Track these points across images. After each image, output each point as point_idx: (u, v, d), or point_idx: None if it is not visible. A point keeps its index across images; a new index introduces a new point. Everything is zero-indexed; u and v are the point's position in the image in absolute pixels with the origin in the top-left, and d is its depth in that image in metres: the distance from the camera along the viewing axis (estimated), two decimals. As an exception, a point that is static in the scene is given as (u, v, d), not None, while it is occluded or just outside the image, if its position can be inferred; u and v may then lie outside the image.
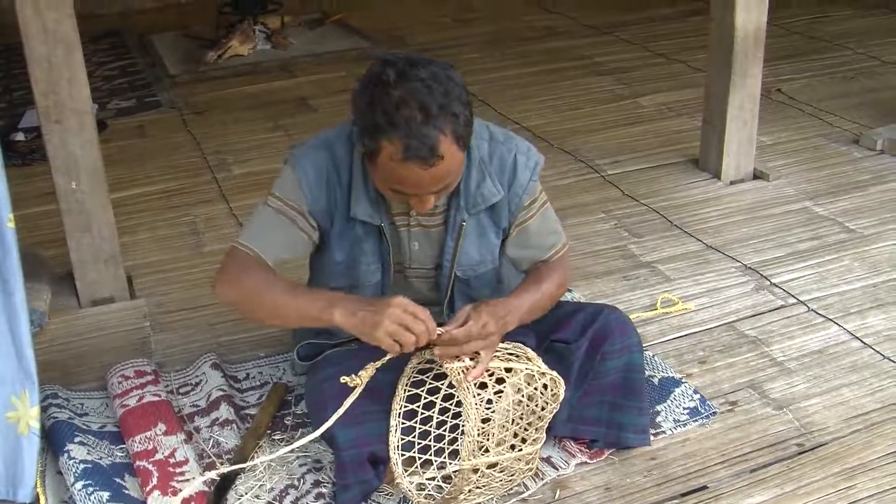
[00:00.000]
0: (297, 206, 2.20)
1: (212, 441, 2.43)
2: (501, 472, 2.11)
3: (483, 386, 2.04)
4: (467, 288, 2.33)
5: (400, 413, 2.18)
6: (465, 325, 2.02)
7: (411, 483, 2.19)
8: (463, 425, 2.06)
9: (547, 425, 2.16)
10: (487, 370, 2.06)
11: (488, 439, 2.03)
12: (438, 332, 2.02)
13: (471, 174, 2.18)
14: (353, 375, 2.03)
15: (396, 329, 1.95)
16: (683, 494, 2.27)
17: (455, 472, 2.10)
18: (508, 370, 2.07)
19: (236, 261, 2.18)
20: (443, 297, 2.32)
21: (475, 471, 2.05)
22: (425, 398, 2.19)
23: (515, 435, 2.09)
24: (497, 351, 2.10)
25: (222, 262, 2.22)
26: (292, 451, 2.36)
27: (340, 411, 2.04)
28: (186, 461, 2.31)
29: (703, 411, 2.52)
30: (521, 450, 2.10)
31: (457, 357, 2.03)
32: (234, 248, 2.21)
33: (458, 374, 2.02)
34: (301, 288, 2.18)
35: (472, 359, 2.04)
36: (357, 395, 2.04)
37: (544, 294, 2.27)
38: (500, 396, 2.04)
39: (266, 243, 2.19)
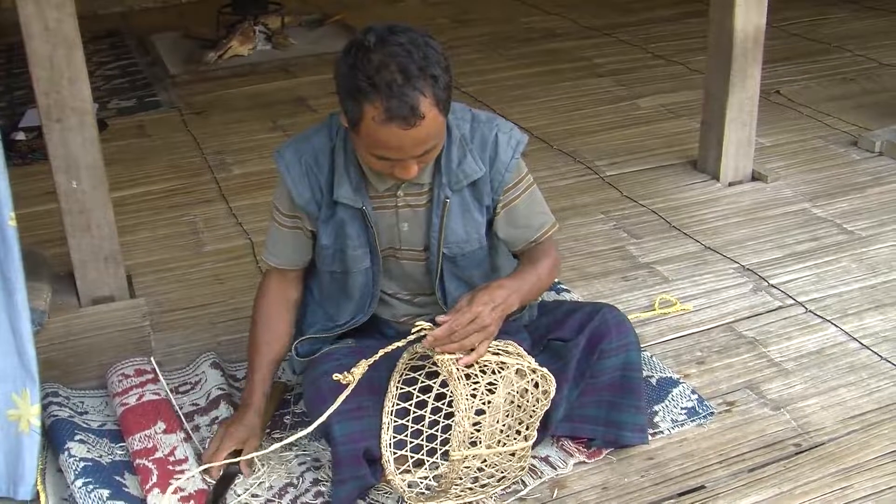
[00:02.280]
0: (290, 209, 2.30)
1: (211, 439, 2.44)
2: (493, 468, 2.12)
3: (472, 379, 2.06)
4: (455, 267, 2.33)
5: (392, 410, 2.19)
6: (451, 318, 2.07)
7: (403, 481, 2.20)
8: (453, 419, 2.07)
9: (538, 424, 2.17)
10: (478, 363, 2.08)
11: (478, 430, 2.04)
12: (424, 326, 2.07)
13: (452, 152, 2.22)
14: (346, 373, 2.08)
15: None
16: (681, 494, 2.28)
17: (445, 462, 2.12)
18: (500, 363, 2.09)
19: (264, 278, 2.47)
20: (433, 278, 2.34)
21: (465, 465, 2.06)
22: (418, 397, 2.20)
23: (509, 427, 2.10)
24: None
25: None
26: (290, 448, 2.38)
27: (332, 408, 2.09)
28: (186, 459, 2.32)
29: (700, 411, 2.53)
30: (511, 445, 2.12)
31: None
32: (267, 266, 2.45)
33: (449, 364, 2.04)
34: (255, 365, 2.43)
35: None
36: (349, 392, 2.08)
37: (541, 276, 2.30)
38: (490, 390, 2.06)
39: (281, 256, 2.40)
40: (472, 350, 2.08)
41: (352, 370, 2.09)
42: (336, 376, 2.09)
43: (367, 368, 2.10)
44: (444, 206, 2.25)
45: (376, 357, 2.11)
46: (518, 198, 2.31)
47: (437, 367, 2.10)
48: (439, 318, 2.10)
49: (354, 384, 2.09)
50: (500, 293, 2.15)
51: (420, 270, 2.36)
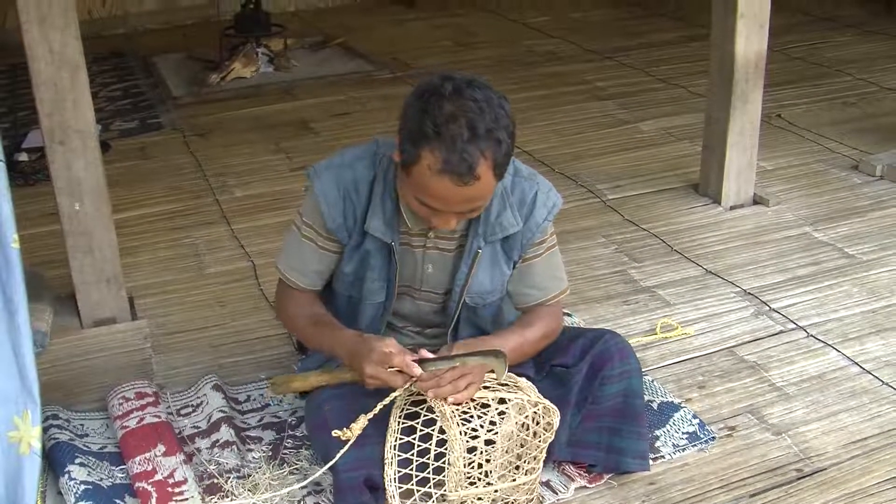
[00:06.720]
0: (318, 227, 2.27)
1: (212, 462, 2.43)
2: (496, 503, 2.11)
3: (469, 416, 2.06)
4: (474, 316, 2.33)
5: (395, 446, 2.17)
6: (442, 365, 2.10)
7: None
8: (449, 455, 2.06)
9: (543, 456, 2.17)
10: (473, 399, 2.09)
11: (476, 469, 2.04)
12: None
13: (492, 204, 2.20)
14: (345, 429, 2.09)
15: (376, 383, 2.12)
16: (682, 519, 2.28)
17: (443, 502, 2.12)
18: (497, 399, 2.08)
19: (283, 291, 2.40)
20: (449, 322, 2.33)
21: (463, 502, 2.06)
22: (421, 430, 2.18)
23: (509, 463, 2.08)
24: (486, 381, 2.14)
25: (277, 287, 2.44)
26: (291, 472, 2.38)
27: (330, 464, 2.11)
28: (185, 481, 2.32)
29: (702, 436, 2.53)
30: (514, 480, 2.11)
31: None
32: (281, 277, 2.38)
33: (441, 404, 2.05)
34: (323, 325, 2.30)
35: None
36: (348, 448, 2.09)
37: (526, 342, 2.30)
38: (485, 426, 2.05)
39: (302, 272, 2.34)
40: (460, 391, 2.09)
41: (351, 426, 2.09)
42: (336, 433, 2.08)
43: (366, 422, 2.10)
44: (476, 256, 2.24)
45: (375, 410, 2.11)
46: (537, 258, 2.31)
47: (433, 406, 2.09)
48: (422, 352, 2.13)
49: (353, 440, 2.09)
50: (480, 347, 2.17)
51: (434, 311, 2.36)
